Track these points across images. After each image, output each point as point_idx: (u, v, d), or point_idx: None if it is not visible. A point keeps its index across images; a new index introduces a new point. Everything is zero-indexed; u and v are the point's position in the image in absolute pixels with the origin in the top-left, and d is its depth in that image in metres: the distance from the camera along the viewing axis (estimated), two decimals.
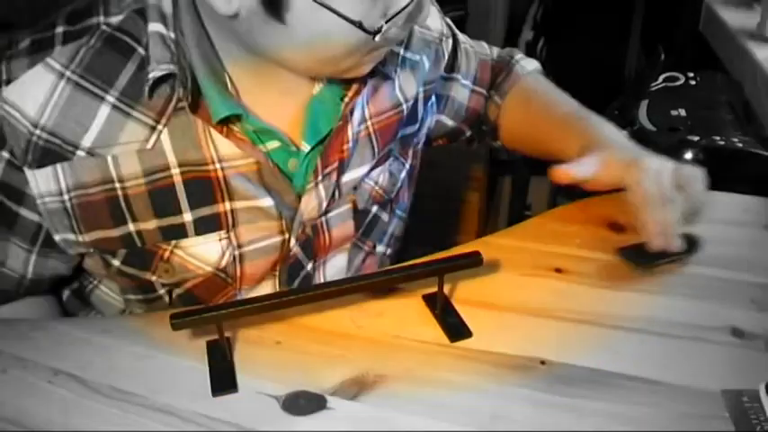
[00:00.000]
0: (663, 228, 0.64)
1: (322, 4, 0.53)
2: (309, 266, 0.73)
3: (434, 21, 0.81)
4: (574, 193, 0.79)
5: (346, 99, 0.68)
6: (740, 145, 1.02)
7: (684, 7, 1.64)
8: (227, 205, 0.65)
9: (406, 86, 0.76)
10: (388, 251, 0.85)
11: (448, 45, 0.83)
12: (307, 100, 0.68)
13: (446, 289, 0.63)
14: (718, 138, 1.03)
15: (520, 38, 1.89)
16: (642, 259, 0.65)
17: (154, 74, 0.59)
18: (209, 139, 0.63)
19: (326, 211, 0.71)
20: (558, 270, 0.68)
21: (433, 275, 0.60)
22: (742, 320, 0.60)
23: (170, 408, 0.53)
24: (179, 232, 0.65)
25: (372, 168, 0.74)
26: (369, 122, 0.72)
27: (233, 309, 0.55)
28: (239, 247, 0.67)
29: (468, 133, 0.90)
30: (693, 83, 1.19)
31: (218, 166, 0.63)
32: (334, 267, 0.76)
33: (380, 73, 0.71)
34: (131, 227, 0.64)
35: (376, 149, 0.73)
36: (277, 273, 0.72)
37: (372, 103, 0.72)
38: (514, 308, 0.63)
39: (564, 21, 1.98)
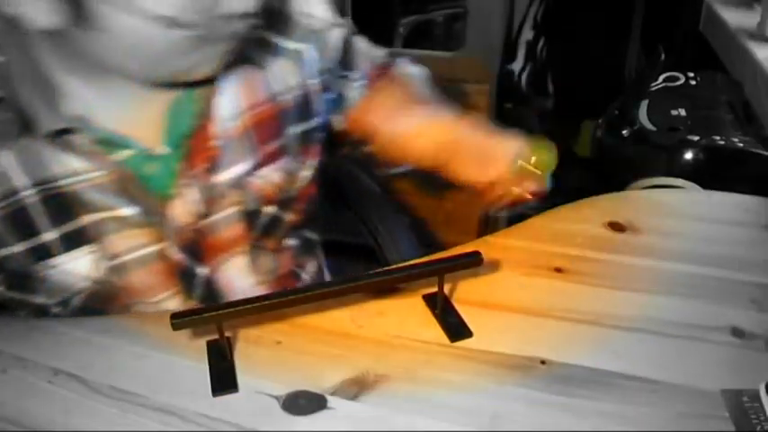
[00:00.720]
0: None
1: (129, 5, 0.52)
2: (203, 271, 0.71)
3: (319, 9, 0.77)
4: (571, 193, 0.80)
5: (203, 95, 0.66)
6: (740, 145, 1.02)
7: (684, 7, 1.64)
8: (89, 218, 0.64)
9: (285, 77, 0.72)
10: (315, 236, 0.85)
11: (338, 34, 0.79)
12: (166, 102, 0.66)
13: (446, 289, 0.63)
14: (718, 138, 1.03)
15: (520, 38, 1.89)
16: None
17: None
18: (56, 156, 0.62)
19: (209, 214, 0.69)
20: (558, 270, 0.68)
21: (433, 275, 0.60)
22: (742, 320, 0.60)
23: (170, 408, 0.53)
24: (46, 252, 0.64)
25: (258, 167, 0.71)
26: (243, 117, 0.69)
27: (233, 309, 0.55)
28: (114, 258, 0.66)
29: (356, 136, 0.86)
30: (693, 83, 1.19)
31: (70, 180, 0.63)
32: (235, 268, 0.74)
33: (252, 65, 0.69)
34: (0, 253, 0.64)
35: (255, 145, 0.71)
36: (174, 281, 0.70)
37: (245, 97, 0.69)
38: (514, 308, 0.63)
39: (564, 20, 1.98)
